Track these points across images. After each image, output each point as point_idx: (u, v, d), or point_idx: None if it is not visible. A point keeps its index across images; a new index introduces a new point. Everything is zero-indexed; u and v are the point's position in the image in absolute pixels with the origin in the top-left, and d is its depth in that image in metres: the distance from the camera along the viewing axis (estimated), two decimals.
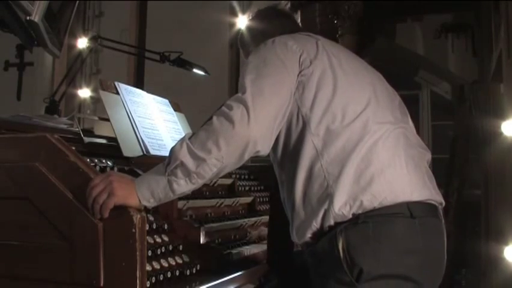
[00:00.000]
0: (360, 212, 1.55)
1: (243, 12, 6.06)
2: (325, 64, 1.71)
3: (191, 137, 1.57)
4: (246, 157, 1.59)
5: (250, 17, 2.17)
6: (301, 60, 1.70)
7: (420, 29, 6.69)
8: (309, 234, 1.64)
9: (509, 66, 4.11)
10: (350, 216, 1.56)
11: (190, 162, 1.53)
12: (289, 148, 1.70)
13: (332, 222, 1.58)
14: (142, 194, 1.57)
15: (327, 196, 1.58)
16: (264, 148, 1.61)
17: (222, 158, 1.54)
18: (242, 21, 5.86)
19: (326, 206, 1.58)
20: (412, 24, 6.70)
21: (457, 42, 6.43)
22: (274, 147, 1.73)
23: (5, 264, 1.67)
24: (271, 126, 1.61)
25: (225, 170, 1.60)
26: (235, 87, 4.81)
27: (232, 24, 5.22)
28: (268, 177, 3.41)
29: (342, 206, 1.56)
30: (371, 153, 1.59)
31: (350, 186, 1.56)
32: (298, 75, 1.68)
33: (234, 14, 5.52)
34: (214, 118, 1.57)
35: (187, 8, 7.07)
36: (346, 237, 1.55)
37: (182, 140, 1.57)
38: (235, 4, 5.84)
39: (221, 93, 5.72)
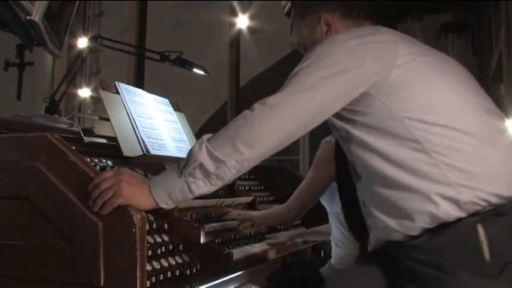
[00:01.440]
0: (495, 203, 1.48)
1: (243, 12, 6.06)
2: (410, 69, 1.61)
3: (210, 139, 1.56)
4: (265, 157, 1.57)
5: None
6: (374, 70, 1.58)
7: (420, 29, 6.69)
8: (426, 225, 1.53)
9: (509, 66, 4.11)
10: (482, 207, 1.48)
11: (209, 164, 1.52)
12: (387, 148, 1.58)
13: (462, 214, 1.49)
14: (159, 196, 1.55)
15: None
16: (281, 148, 1.58)
17: (241, 161, 1.52)
18: (242, 21, 5.86)
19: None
20: (412, 24, 6.71)
21: (457, 42, 6.44)
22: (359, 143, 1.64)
23: (4, 263, 1.67)
24: (292, 132, 1.55)
25: (244, 170, 1.58)
26: (235, 86, 4.81)
27: (232, 24, 5.22)
28: (268, 176, 3.43)
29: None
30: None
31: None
32: (366, 87, 1.58)
33: (234, 13, 5.52)
34: (235, 119, 1.57)
35: (187, 7, 7.08)
36: (486, 227, 1.45)
37: (201, 142, 1.56)
38: (235, 4, 5.84)
39: (221, 93, 5.73)
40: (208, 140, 1.56)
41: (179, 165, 1.57)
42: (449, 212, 1.50)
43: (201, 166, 1.53)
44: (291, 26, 2.07)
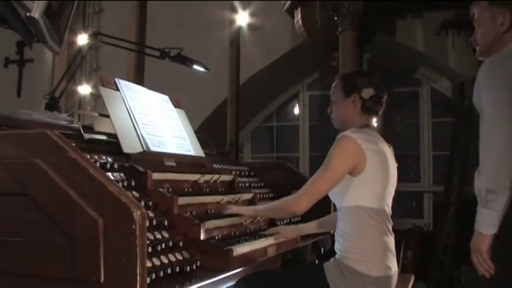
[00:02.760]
0: None
1: (243, 9, 6.05)
2: None
3: None
4: None
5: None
6: None
7: (420, 26, 6.67)
8: None
9: None
10: None
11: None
12: None
13: None
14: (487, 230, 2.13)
15: None
16: None
17: None
18: (242, 18, 5.85)
19: None
20: (412, 21, 6.69)
21: (457, 39, 6.42)
22: None
23: (5, 260, 1.67)
24: None
25: None
26: (235, 84, 4.80)
27: (233, 21, 5.21)
28: (268, 173, 3.43)
29: None
30: None
31: None
32: None
33: (234, 10, 5.51)
34: None
35: (187, 4, 7.06)
36: None
37: None
38: (235, 1, 5.82)
39: (221, 90, 5.71)
40: None
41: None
42: None
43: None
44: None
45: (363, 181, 2.30)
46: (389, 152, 2.45)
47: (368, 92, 2.43)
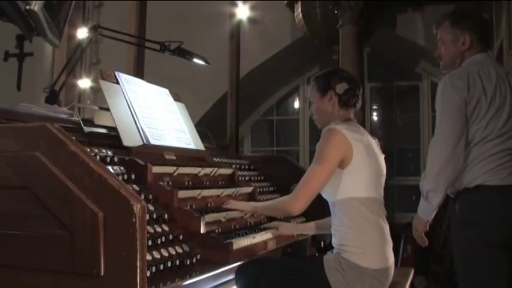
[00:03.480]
0: None
1: (244, 2, 6.04)
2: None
3: None
4: None
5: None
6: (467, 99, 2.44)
7: (421, 19, 6.66)
8: None
9: (510, 58, 4.11)
10: None
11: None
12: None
13: None
14: (425, 216, 2.65)
15: None
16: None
17: None
18: (242, 12, 5.84)
19: None
20: (413, 15, 6.67)
21: None
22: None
23: (5, 253, 1.67)
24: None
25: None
26: (235, 77, 4.79)
27: (233, 15, 5.19)
28: (268, 167, 3.43)
29: None
30: None
31: None
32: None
33: (234, 4, 5.49)
34: None
35: None
36: None
37: None
38: None
39: (221, 83, 5.71)
40: None
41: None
42: None
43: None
44: (439, 21, 2.67)
45: (353, 172, 2.31)
46: (374, 143, 2.48)
47: (341, 87, 2.49)
